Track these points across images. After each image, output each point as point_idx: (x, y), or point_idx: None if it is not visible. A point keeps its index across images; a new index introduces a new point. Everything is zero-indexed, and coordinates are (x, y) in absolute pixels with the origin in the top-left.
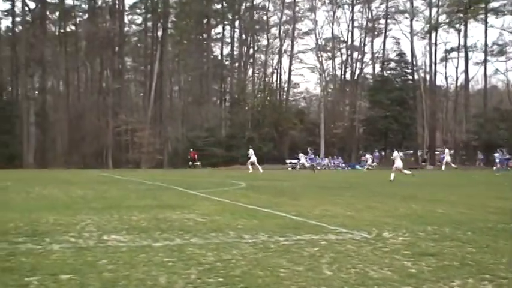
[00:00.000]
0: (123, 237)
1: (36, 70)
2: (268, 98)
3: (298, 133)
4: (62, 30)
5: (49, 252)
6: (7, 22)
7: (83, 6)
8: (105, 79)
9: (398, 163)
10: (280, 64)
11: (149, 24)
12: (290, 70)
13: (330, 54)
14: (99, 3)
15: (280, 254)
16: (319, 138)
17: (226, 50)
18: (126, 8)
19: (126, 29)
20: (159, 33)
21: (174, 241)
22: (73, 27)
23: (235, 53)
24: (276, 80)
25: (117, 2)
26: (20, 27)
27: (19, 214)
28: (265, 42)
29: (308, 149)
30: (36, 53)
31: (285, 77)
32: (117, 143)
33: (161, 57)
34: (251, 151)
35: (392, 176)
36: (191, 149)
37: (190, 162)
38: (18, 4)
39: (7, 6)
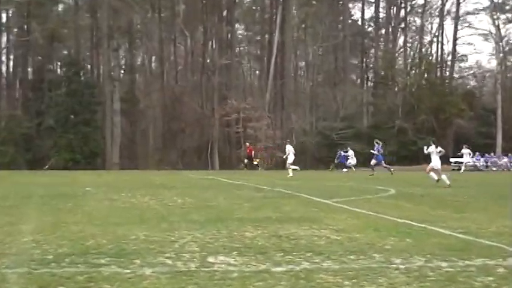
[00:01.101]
0: (233, 259)
1: (122, 43)
2: (426, 76)
3: (467, 122)
4: None
5: (139, 277)
6: None
7: None
8: (209, 53)
9: None
10: (442, 30)
11: None
12: (455, 38)
13: (510, 15)
14: None
15: (443, 285)
16: (495, 128)
17: (369, 12)
18: None
19: None
20: None
21: (301, 265)
22: None
23: (381, 16)
24: (436, 52)
25: None
26: None
27: (101, 228)
28: (421, 1)
29: (375, 142)
30: (122, 21)
31: (448, 48)
32: (225, 136)
33: (282, 24)
34: (351, 152)
35: None
36: (247, 143)
37: (246, 161)
38: None
39: None
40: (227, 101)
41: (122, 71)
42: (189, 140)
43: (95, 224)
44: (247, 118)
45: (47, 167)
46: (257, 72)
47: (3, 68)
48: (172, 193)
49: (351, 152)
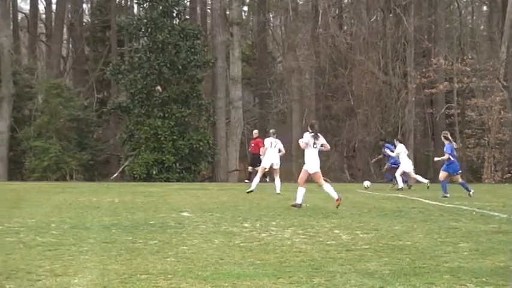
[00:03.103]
0: None
1: None
2: None
3: None
4: None
5: None
6: None
7: None
8: None
9: None
10: None
11: None
12: None
13: None
14: None
15: None
16: None
17: None
18: None
19: None
20: None
21: None
22: None
23: None
24: None
25: None
26: None
27: (210, 285)
28: None
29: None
30: None
31: None
32: (425, 123)
33: None
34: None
35: None
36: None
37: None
38: None
39: None
40: (430, 60)
41: None
42: (361, 129)
43: (197, 277)
44: (466, 91)
45: (115, 175)
46: (484, 8)
47: None
48: (329, 222)
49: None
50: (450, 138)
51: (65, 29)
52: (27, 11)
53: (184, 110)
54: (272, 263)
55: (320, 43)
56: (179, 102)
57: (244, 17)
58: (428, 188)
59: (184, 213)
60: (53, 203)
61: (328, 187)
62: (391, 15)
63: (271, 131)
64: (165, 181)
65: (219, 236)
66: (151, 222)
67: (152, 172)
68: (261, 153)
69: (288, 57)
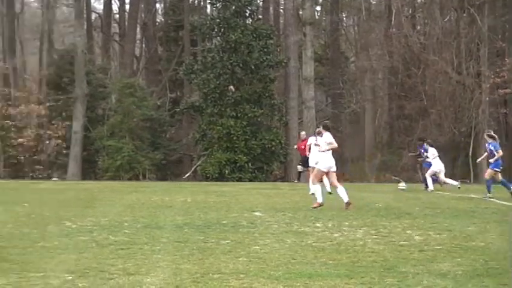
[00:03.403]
0: None
1: None
2: None
3: None
4: None
5: None
6: None
7: None
8: None
9: None
10: None
11: None
12: None
13: None
14: None
15: None
16: None
17: None
18: None
19: None
20: None
21: None
22: None
23: None
24: None
25: None
26: None
27: (283, 284)
28: None
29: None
30: None
31: None
32: (500, 124)
33: None
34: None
35: None
36: None
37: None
38: None
39: None
40: (504, 60)
41: None
42: (434, 130)
43: (269, 276)
44: None
45: (188, 174)
46: None
47: None
48: (402, 222)
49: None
50: (495, 136)
51: (138, 29)
52: (101, 11)
53: (256, 109)
54: (344, 263)
55: (393, 43)
56: (252, 102)
57: (317, 17)
58: (459, 188)
59: (257, 213)
60: (125, 202)
61: (317, 187)
62: (464, 14)
63: (316, 130)
64: (237, 181)
65: (291, 236)
66: (223, 221)
67: (225, 172)
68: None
69: (361, 57)
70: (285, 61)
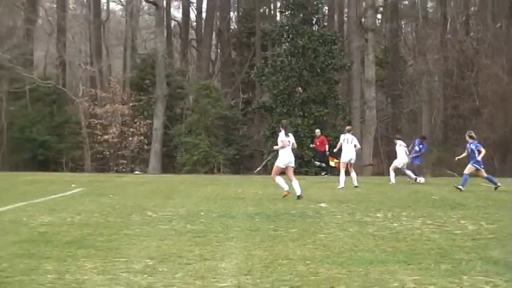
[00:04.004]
0: None
1: None
2: None
3: None
4: None
5: None
6: None
7: None
8: None
9: None
10: None
11: None
12: None
13: None
14: None
15: None
16: None
17: None
18: None
19: None
20: None
21: None
22: None
23: None
24: None
25: None
26: None
27: (345, 268)
28: None
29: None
30: None
31: None
32: None
33: None
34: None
35: None
36: None
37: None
38: None
39: None
40: None
41: None
42: (486, 128)
43: (333, 262)
44: None
45: (259, 169)
46: None
47: None
48: (456, 213)
49: None
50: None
51: (213, 35)
52: (180, 19)
53: (322, 109)
54: (403, 251)
55: (448, 48)
56: (318, 102)
57: (378, 24)
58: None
59: (322, 204)
60: (202, 194)
61: (280, 182)
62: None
63: (346, 128)
64: (303, 174)
65: (353, 225)
66: (291, 212)
67: None
68: (326, 149)
69: (419, 61)
70: (348, 65)
